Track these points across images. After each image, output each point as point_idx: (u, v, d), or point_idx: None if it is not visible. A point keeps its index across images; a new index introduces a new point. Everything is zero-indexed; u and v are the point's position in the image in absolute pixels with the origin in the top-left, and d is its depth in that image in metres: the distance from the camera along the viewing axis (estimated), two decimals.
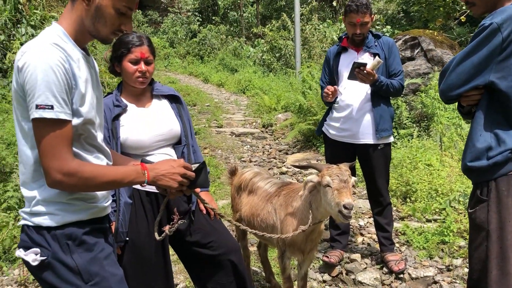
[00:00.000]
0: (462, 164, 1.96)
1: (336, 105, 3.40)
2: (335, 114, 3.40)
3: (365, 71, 3.05)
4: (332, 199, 2.17)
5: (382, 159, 3.35)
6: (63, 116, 1.41)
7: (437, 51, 6.66)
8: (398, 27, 16.59)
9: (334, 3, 20.15)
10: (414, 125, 6.08)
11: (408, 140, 5.77)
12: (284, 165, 6.52)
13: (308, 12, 16.86)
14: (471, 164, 1.89)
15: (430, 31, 7.55)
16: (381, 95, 3.28)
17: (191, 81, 16.79)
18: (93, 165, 1.54)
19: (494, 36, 1.75)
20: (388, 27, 15.61)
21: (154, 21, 26.57)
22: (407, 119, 6.07)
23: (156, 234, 1.91)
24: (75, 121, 1.48)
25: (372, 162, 3.35)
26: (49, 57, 1.39)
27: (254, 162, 6.81)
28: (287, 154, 7.19)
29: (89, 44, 2.00)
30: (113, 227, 2.16)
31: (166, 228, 1.95)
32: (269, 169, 6.35)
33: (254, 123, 9.48)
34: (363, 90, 3.28)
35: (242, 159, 6.97)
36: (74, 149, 1.50)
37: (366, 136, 3.30)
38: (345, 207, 2.10)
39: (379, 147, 3.31)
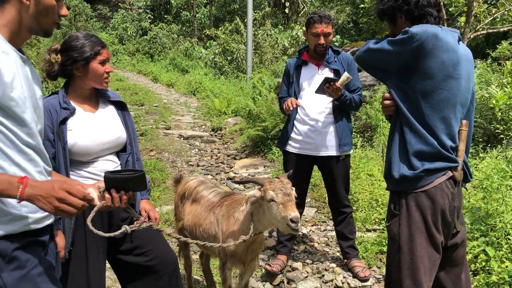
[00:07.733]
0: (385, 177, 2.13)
1: (298, 117, 3.43)
2: (298, 127, 3.43)
3: (334, 86, 3.12)
4: (278, 213, 2.18)
5: (343, 169, 3.46)
6: None
7: None
8: (347, 36, 17.14)
9: (287, 10, 20.46)
10: (358, 135, 6.26)
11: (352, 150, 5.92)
12: (232, 171, 6.51)
13: (260, 17, 17.03)
14: (387, 181, 2.06)
15: None
16: (341, 110, 3.38)
17: (140, 80, 16.43)
18: None
19: (407, 43, 1.91)
20: (338, 36, 16.10)
21: (103, 16, 25.80)
22: None
23: (98, 231, 1.77)
24: None
25: (334, 173, 3.44)
26: None
27: (202, 166, 6.73)
28: (235, 159, 7.17)
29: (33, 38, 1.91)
30: (59, 237, 2.06)
31: (129, 227, 1.85)
32: (216, 174, 6.31)
33: (203, 126, 9.40)
34: (325, 103, 3.36)
35: (190, 163, 6.87)
36: None
37: (330, 148, 3.38)
38: (292, 221, 2.13)
39: (340, 158, 3.42)
